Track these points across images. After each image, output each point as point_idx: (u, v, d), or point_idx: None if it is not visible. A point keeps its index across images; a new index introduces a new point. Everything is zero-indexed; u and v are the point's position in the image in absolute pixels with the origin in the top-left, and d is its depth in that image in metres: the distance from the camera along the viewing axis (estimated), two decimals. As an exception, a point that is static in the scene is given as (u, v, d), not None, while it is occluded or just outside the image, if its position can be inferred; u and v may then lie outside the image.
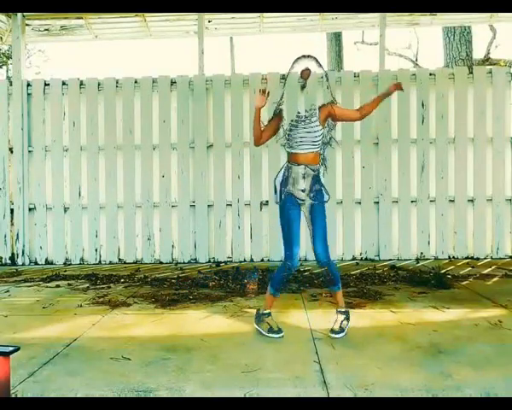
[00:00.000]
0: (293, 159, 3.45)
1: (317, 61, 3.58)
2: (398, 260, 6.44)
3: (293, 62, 3.56)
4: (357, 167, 6.56)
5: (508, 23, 8.22)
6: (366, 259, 6.50)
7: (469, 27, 9.14)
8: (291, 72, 3.58)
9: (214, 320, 3.81)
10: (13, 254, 6.74)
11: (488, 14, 6.99)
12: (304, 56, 3.55)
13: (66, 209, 6.71)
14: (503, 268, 5.75)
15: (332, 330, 3.36)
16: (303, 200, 3.40)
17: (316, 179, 3.41)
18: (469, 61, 9.05)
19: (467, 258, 6.44)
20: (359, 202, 6.56)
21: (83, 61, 28.61)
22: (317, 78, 3.65)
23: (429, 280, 5.01)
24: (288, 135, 3.47)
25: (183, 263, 6.53)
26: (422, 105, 6.52)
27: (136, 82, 6.68)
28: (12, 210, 6.73)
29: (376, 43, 10.17)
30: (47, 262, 6.70)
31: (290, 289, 4.82)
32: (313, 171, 3.40)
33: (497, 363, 2.85)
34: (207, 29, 7.09)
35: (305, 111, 3.49)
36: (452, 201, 6.52)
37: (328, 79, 3.63)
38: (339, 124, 6.48)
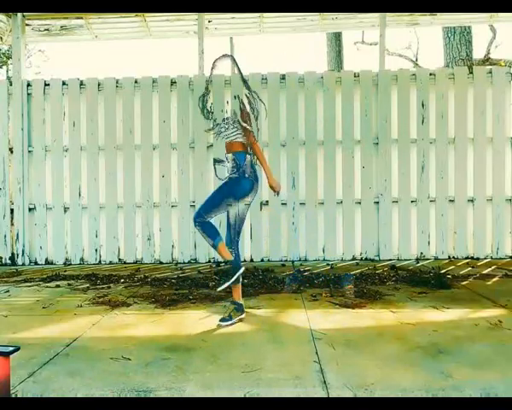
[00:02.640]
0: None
1: (234, 60, 3.84)
2: (398, 260, 6.44)
3: (215, 62, 3.78)
4: (357, 167, 6.56)
5: (508, 23, 8.21)
6: (366, 259, 6.51)
7: (469, 27, 9.14)
8: (213, 72, 3.81)
9: (214, 320, 3.80)
10: (13, 254, 6.74)
11: (488, 14, 6.99)
12: (224, 56, 3.80)
13: (66, 209, 6.72)
14: (503, 268, 5.75)
15: (220, 319, 3.70)
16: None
17: (234, 167, 3.80)
18: (469, 61, 9.05)
19: (467, 258, 6.45)
20: (359, 202, 6.56)
21: (83, 61, 28.62)
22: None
23: (429, 280, 5.01)
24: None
25: (183, 263, 6.53)
26: (422, 105, 6.52)
27: (136, 82, 6.68)
28: (12, 210, 6.73)
29: (376, 43, 10.18)
30: (47, 262, 6.70)
31: (290, 290, 4.82)
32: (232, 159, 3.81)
33: (497, 363, 2.85)
34: (207, 29, 7.09)
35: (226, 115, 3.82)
36: (452, 201, 6.53)
37: (242, 76, 3.86)
38: (339, 124, 6.54)
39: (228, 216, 3.87)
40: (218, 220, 6.51)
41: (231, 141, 3.81)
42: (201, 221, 3.74)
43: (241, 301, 3.84)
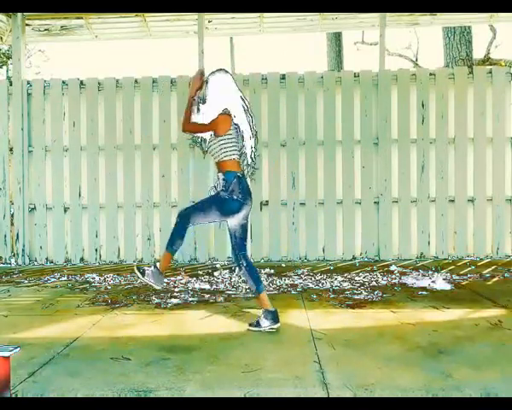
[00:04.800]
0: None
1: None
2: (398, 260, 6.44)
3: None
4: (357, 167, 6.56)
5: (508, 23, 8.22)
6: (366, 259, 6.50)
7: (469, 27, 9.13)
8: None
9: (214, 320, 3.81)
10: (13, 254, 6.74)
11: (488, 14, 6.98)
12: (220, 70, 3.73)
13: (66, 209, 6.71)
14: (503, 268, 5.75)
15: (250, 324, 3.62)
16: None
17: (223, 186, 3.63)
18: (469, 61, 9.05)
19: (467, 258, 6.45)
20: (359, 202, 6.56)
21: (83, 61, 28.60)
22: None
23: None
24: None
25: (183, 263, 6.53)
26: (422, 105, 6.52)
27: (136, 82, 6.68)
28: (12, 210, 6.73)
29: (376, 43, 10.17)
30: (47, 262, 6.70)
31: (290, 290, 4.82)
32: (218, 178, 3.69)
33: (497, 363, 2.85)
34: (207, 29, 7.09)
35: None
36: (452, 201, 6.52)
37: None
38: (339, 124, 6.54)
39: (229, 232, 3.79)
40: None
41: (218, 161, 3.64)
42: (184, 222, 3.62)
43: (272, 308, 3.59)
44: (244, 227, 3.76)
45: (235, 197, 3.58)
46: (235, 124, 3.67)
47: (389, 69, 6.62)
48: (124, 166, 6.65)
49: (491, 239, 6.53)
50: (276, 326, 3.51)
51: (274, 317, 3.53)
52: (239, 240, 3.74)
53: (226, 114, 3.62)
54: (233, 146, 3.62)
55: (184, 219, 3.63)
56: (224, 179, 3.60)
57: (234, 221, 3.70)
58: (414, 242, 6.53)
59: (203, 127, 3.67)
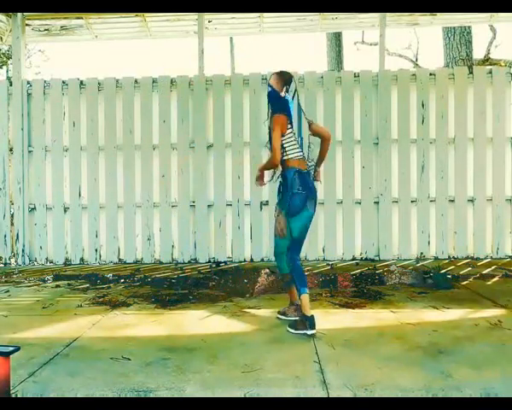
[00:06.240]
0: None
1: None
2: (398, 260, 6.43)
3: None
4: (357, 167, 6.55)
5: (508, 23, 8.21)
6: (366, 259, 6.50)
7: (469, 27, 9.13)
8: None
9: (214, 320, 3.81)
10: (13, 254, 6.74)
11: (488, 14, 6.98)
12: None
13: (66, 209, 6.71)
14: (503, 268, 5.75)
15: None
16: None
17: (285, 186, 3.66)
18: (469, 61, 9.04)
19: (467, 258, 6.44)
20: (359, 202, 6.55)
21: (83, 61, 28.63)
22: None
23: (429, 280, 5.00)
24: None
25: (183, 263, 6.53)
26: (422, 105, 6.52)
27: (136, 82, 6.68)
28: (12, 210, 6.73)
29: (376, 43, 10.17)
30: (47, 262, 6.70)
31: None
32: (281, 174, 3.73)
33: (497, 363, 2.85)
34: (207, 29, 7.09)
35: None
36: (452, 201, 6.52)
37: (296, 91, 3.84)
38: (339, 124, 6.53)
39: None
40: (218, 221, 6.51)
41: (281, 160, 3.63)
42: (296, 259, 3.60)
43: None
44: (307, 227, 3.67)
45: (295, 191, 3.57)
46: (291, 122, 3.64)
47: (389, 69, 6.61)
48: (124, 166, 6.64)
49: (491, 239, 6.52)
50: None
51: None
52: (298, 242, 3.64)
53: (280, 113, 3.58)
54: (291, 145, 3.62)
55: (295, 256, 3.61)
56: (283, 176, 3.66)
57: (303, 218, 3.61)
58: (414, 242, 6.53)
59: (274, 140, 3.58)
